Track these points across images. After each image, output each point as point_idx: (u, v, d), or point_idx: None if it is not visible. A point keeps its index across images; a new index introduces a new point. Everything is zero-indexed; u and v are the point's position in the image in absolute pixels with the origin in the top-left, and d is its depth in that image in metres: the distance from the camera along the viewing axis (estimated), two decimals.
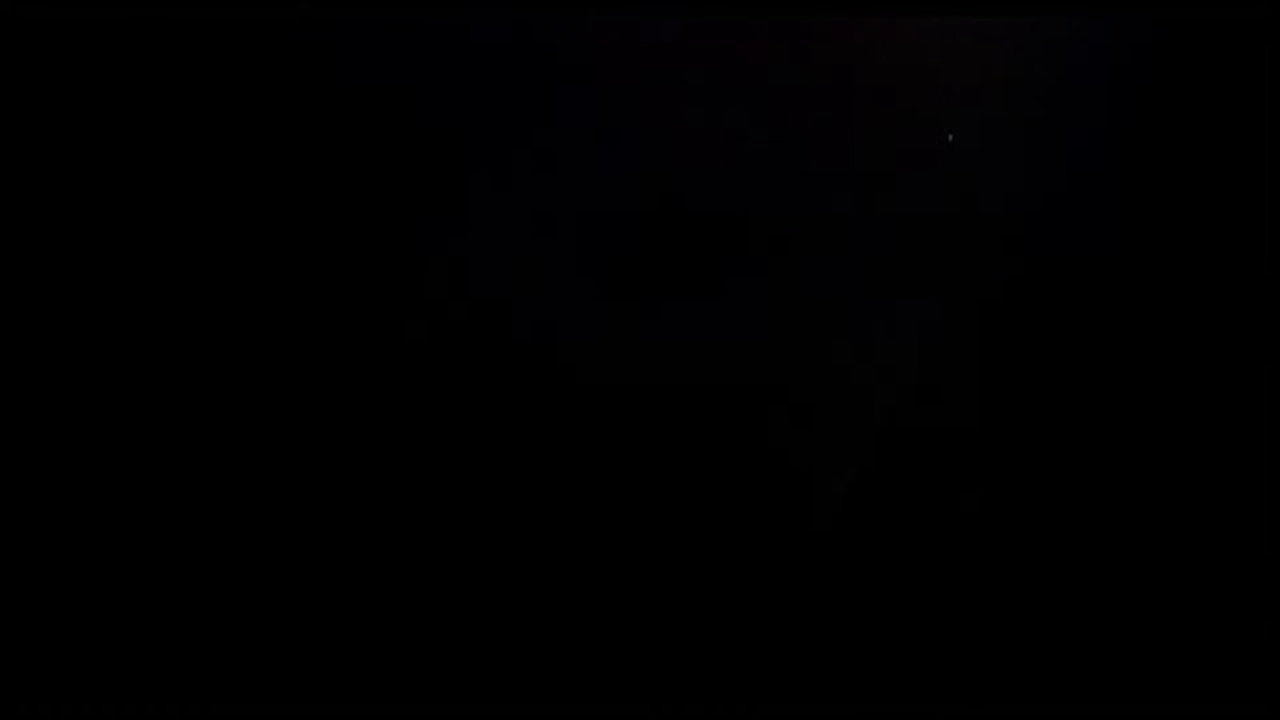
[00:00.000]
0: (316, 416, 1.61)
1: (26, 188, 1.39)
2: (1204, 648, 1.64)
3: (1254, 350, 1.65)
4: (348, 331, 1.62)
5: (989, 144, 1.73)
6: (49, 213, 1.45)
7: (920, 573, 1.70)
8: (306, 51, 1.42)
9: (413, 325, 1.52)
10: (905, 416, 1.72)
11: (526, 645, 1.69)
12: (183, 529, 1.53)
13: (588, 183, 1.63)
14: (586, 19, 1.62)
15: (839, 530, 1.65)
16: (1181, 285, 1.69)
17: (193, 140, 1.55)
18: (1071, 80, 1.76)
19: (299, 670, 1.62)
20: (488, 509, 1.68)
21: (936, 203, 1.73)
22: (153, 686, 1.58)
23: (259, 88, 1.56)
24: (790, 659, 1.68)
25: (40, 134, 1.37)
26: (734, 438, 1.66)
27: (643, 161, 1.64)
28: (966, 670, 1.65)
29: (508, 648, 1.69)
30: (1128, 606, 1.66)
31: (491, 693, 1.66)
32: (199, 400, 1.53)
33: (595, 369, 1.65)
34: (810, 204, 1.72)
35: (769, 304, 1.71)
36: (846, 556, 1.67)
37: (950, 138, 1.60)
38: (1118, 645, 1.66)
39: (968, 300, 1.72)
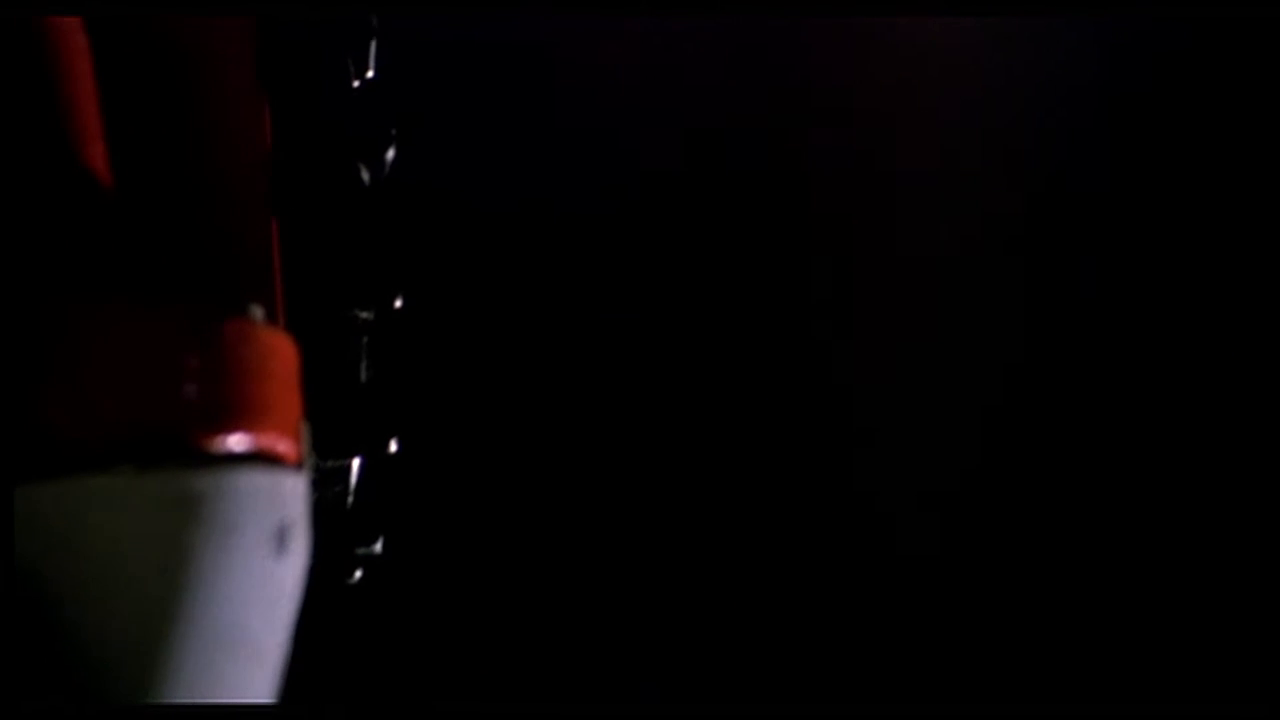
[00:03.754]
0: None
1: None
2: (1205, 648, 1.65)
3: (1260, 351, 1.68)
4: None
5: (989, 145, 1.65)
6: None
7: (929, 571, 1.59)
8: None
9: None
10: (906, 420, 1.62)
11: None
12: None
13: (585, 186, 1.60)
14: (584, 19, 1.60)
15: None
16: (1184, 287, 1.72)
17: None
18: (1072, 81, 1.67)
19: None
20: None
21: (936, 203, 1.65)
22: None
23: None
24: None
25: None
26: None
27: (635, 163, 1.60)
28: (968, 669, 1.67)
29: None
30: (1129, 606, 1.68)
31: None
32: None
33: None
34: (807, 206, 1.66)
35: (765, 307, 1.65)
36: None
37: None
38: (1118, 645, 1.67)
39: (971, 299, 1.63)
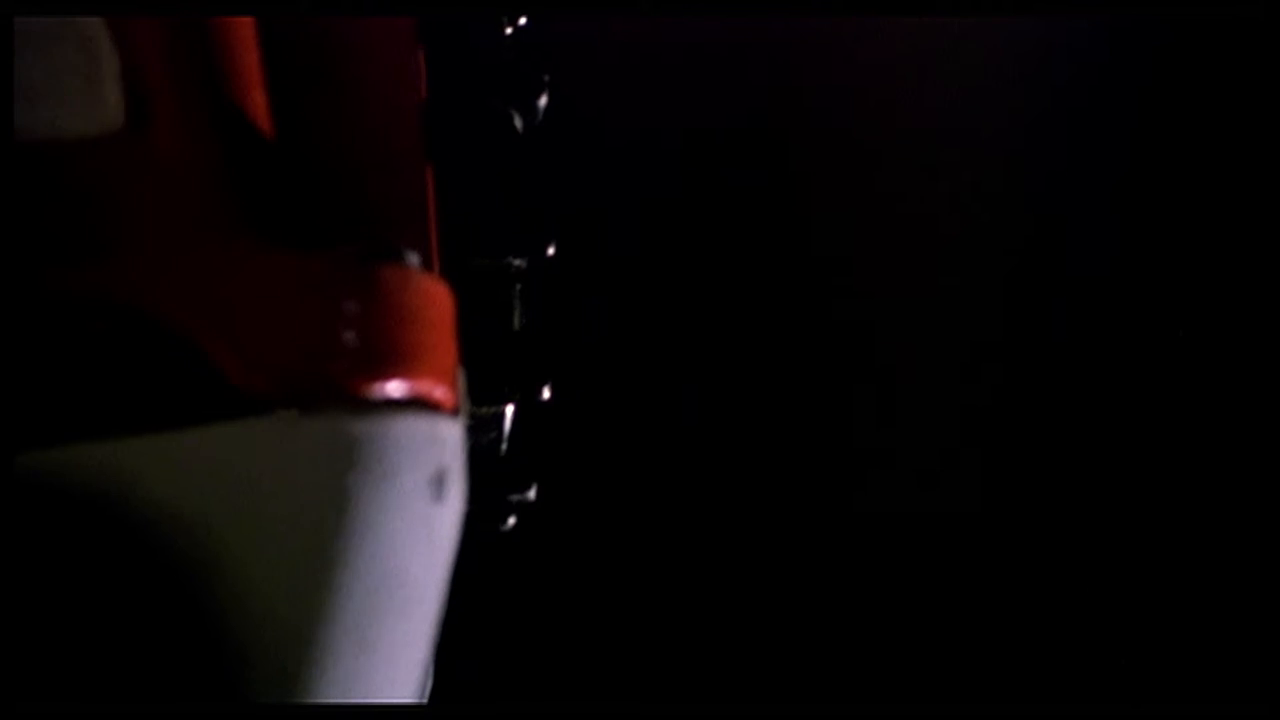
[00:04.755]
0: None
1: None
2: (1205, 647, 1.65)
3: (1263, 343, 1.68)
4: None
5: (989, 145, 1.63)
6: None
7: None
8: None
9: None
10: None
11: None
12: None
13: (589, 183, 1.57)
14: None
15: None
16: (1192, 286, 1.73)
17: None
18: (1078, 80, 1.64)
19: None
20: None
21: (936, 203, 1.63)
22: None
23: None
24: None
25: None
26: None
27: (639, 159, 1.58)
28: (969, 667, 1.67)
29: None
30: (1129, 605, 1.68)
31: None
32: None
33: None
34: (806, 204, 1.64)
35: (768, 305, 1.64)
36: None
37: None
38: (1119, 645, 1.67)
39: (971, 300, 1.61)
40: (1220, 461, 1.66)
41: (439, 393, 0.81)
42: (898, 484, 1.71)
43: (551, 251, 1.18)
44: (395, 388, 0.77)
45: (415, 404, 0.78)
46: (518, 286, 1.17)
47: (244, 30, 0.84)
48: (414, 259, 0.84)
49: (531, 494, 1.18)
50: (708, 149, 1.66)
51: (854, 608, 1.69)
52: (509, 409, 1.14)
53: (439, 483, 0.78)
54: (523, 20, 1.19)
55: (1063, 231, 1.73)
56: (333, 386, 0.75)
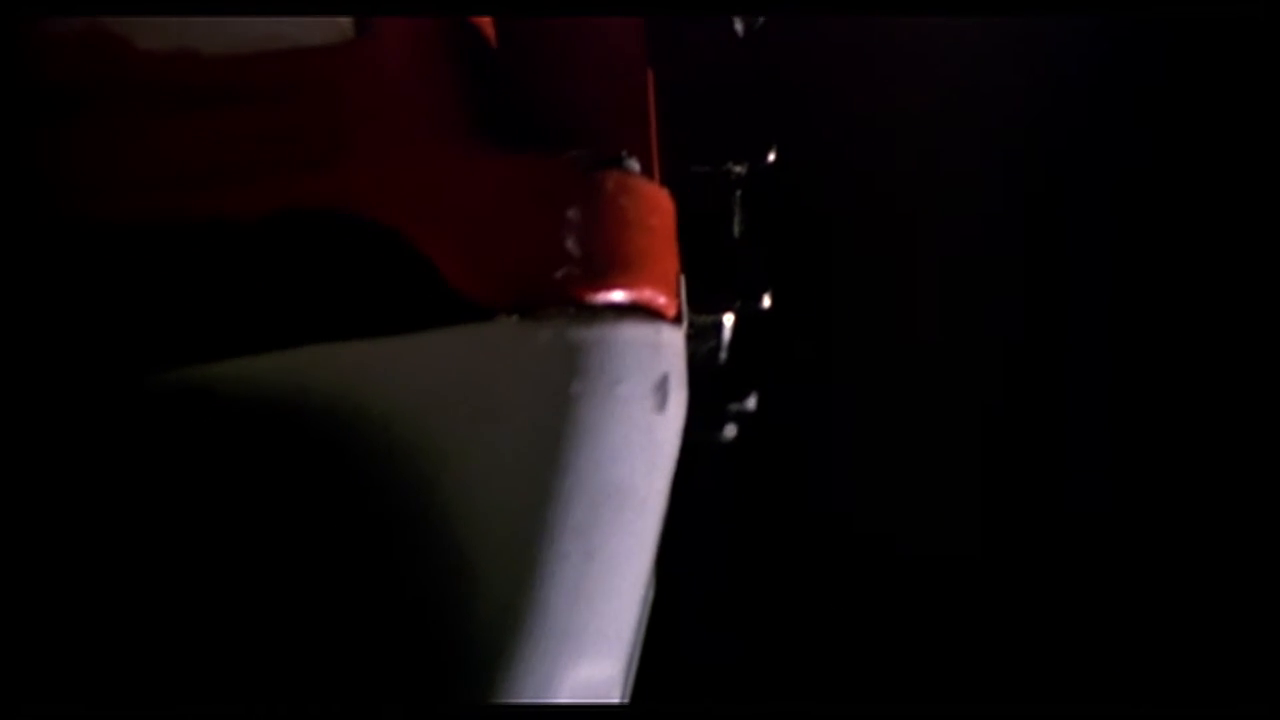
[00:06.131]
0: None
1: None
2: (1206, 648, 1.62)
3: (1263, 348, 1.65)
4: None
5: (989, 145, 1.56)
6: None
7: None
8: None
9: None
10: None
11: None
12: None
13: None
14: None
15: None
16: (1192, 285, 1.69)
17: None
18: (1072, 81, 1.68)
19: None
20: None
21: (936, 203, 1.55)
22: None
23: None
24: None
25: None
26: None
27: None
28: (970, 667, 1.64)
29: None
30: (1130, 605, 1.65)
31: None
32: None
33: None
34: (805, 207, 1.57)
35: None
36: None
37: None
38: (1119, 645, 1.64)
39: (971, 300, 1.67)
40: (1224, 465, 1.63)
41: (661, 300, 0.80)
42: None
43: (772, 158, 1.17)
44: (618, 294, 0.77)
45: (638, 311, 0.78)
46: (738, 193, 1.16)
47: None
48: (635, 165, 0.83)
49: (751, 404, 1.17)
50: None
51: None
52: (728, 317, 1.13)
53: (661, 391, 0.78)
54: None
55: (1063, 232, 1.69)
56: (556, 293, 0.75)
